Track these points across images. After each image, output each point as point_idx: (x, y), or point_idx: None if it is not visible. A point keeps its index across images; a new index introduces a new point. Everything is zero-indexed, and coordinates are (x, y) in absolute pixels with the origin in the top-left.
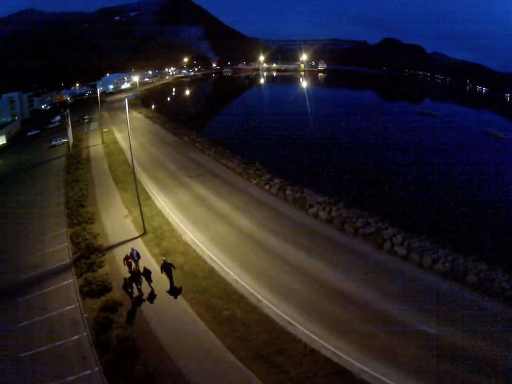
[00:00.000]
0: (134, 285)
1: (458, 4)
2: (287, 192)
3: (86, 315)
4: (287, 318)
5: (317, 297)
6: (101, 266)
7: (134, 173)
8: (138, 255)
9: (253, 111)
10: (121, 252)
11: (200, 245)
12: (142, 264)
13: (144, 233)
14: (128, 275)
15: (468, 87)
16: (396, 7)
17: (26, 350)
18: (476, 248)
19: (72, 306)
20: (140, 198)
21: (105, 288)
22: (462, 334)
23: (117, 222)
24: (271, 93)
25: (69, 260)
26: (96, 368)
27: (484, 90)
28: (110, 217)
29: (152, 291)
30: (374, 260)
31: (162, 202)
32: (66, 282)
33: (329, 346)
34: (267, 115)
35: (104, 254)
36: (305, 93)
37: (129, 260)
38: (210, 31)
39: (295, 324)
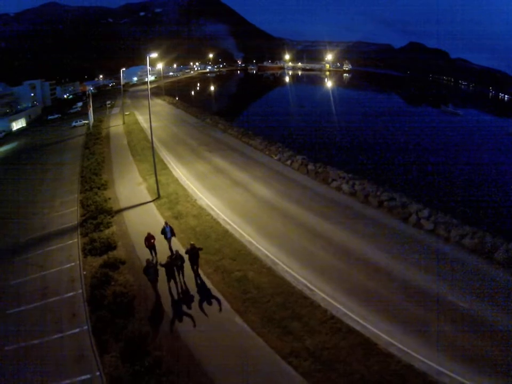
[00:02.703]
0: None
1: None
2: (309, 167)
3: (85, 272)
4: (305, 282)
5: (338, 263)
6: (108, 227)
7: (152, 142)
8: (172, 232)
9: (278, 111)
10: (131, 215)
11: (215, 209)
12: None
13: (157, 198)
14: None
15: (490, 93)
16: (421, 11)
17: (14, 306)
18: None
19: (72, 264)
20: (156, 167)
21: (109, 246)
22: (496, 311)
23: (130, 189)
24: (297, 94)
25: (76, 222)
26: (85, 327)
27: (506, 98)
28: (124, 185)
29: (186, 287)
30: (399, 231)
31: (180, 172)
32: (70, 242)
33: (352, 315)
34: (293, 115)
35: (113, 216)
36: (333, 94)
37: (152, 241)
38: (237, 30)
39: (313, 288)
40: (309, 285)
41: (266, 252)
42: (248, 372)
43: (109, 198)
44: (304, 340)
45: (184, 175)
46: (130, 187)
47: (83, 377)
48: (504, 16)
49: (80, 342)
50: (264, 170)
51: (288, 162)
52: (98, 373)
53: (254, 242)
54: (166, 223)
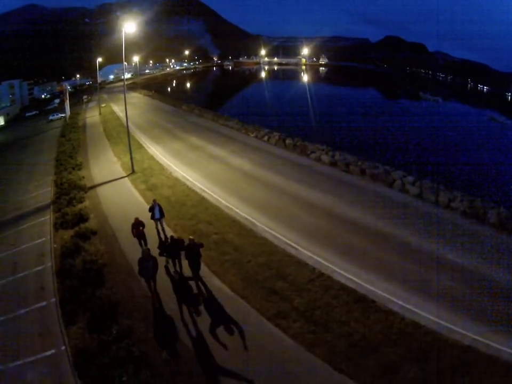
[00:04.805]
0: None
1: (460, 3)
2: (287, 141)
3: (55, 245)
4: (289, 241)
5: (323, 224)
6: (81, 202)
7: (127, 120)
8: (161, 212)
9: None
10: (105, 189)
11: (191, 179)
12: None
13: (132, 173)
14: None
15: (469, 85)
16: (397, 5)
17: None
18: None
19: (43, 239)
20: (130, 143)
21: (81, 218)
22: (494, 268)
23: (105, 167)
24: (273, 91)
25: (49, 201)
26: (53, 299)
27: (485, 89)
28: (99, 164)
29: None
30: (385, 195)
31: (155, 150)
32: (42, 219)
33: (343, 272)
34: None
35: (86, 192)
36: (314, 90)
37: (141, 228)
38: (212, 27)
39: (298, 247)
40: (293, 244)
41: (245, 215)
42: (231, 338)
43: (83, 177)
44: (292, 299)
45: (160, 153)
46: (104, 166)
47: (47, 353)
48: (481, 14)
49: (46, 316)
50: (241, 146)
51: (266, 138)
52: (63, 347)
53: (233, 207)
54: (154, 201)
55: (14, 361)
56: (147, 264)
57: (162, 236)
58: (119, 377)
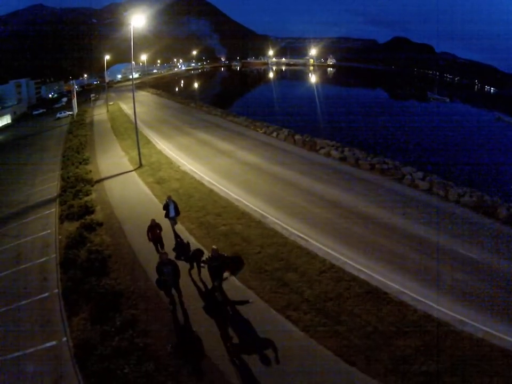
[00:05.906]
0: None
1: (463, 4)
2: (297, 137)
3: (60, 237)
4: (299, 233)
5: (333, 217)
6: (87, 195)
7: (135, 115)
8: (176, 209)
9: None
10: (112, 183)
11: (199, 173)
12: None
13: (139, 166)
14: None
15: (476, 86)
16: (404, 6)
17: None
18: None
19: (48, 231)
20: (138, 137)
21: (86, 210)
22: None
23: (112, 162)
24: (281, 92)
25: (55, 194)
26: (56, 290)
27: (492, 90)
28: (106, 159)
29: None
30: (394, 190)
31: (163, 145)
32: (47, 212)
33: (354, 264)
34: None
35: (93, 185)
36: (318, 92)
37: (158, 231)
38: (220, 27)
39: (308, 239)
40: (303, 236)
41: (254, 207)
42: (239, 330)
43: (90, 171)
44: (302, 291)
45: (168, 147)
46: (112, 160)
47: (48, 344)
48: (483, 15)
49: (48, 307)
50: (249, 141)
51: (274, 134)
52: (64, 339)
53: (241, 200)
54: (169, 198)
55: (13, 353)
56: (166, 270)
57: (171, 234)
58: (121, 369)
